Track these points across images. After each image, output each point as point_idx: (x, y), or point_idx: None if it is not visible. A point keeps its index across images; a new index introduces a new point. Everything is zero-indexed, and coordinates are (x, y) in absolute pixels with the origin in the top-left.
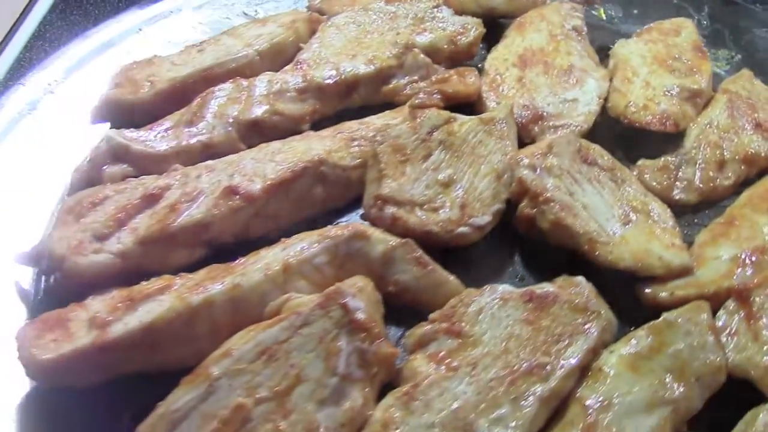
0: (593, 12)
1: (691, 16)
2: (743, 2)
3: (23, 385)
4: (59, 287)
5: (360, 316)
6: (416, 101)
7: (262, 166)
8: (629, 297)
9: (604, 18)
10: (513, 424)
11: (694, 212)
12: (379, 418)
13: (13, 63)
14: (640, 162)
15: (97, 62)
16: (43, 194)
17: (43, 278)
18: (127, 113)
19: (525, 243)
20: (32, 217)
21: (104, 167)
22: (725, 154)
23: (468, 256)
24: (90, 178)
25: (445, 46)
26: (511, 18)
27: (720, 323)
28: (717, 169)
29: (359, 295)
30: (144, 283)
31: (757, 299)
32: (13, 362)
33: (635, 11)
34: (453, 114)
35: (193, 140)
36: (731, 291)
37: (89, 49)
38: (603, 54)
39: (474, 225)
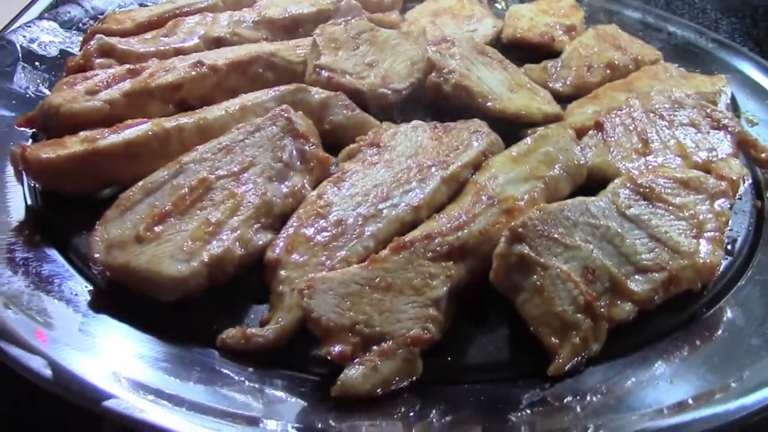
0: (497, 5)
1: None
2: None
3: None
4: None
5: (301, 127)
6: None
7: (225, 54)
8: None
9: (506, 8)
10: (420, 192)
11: (568, 101)
12: (315, 193)
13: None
14: (525, 65)
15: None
16: None
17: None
18: None
19: None
20: None
21: (94, 58)
22: (593, 63)
23: None
24: (81, 68)
25: None
26: None
27: (583, 142)
28: (586, 71)
29: (300, 117)
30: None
31: (609, 127)
32: None
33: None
34: (376, 26)
35: (167, 47)
36: (592, 126)
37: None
38: None
39: (393, 88)
